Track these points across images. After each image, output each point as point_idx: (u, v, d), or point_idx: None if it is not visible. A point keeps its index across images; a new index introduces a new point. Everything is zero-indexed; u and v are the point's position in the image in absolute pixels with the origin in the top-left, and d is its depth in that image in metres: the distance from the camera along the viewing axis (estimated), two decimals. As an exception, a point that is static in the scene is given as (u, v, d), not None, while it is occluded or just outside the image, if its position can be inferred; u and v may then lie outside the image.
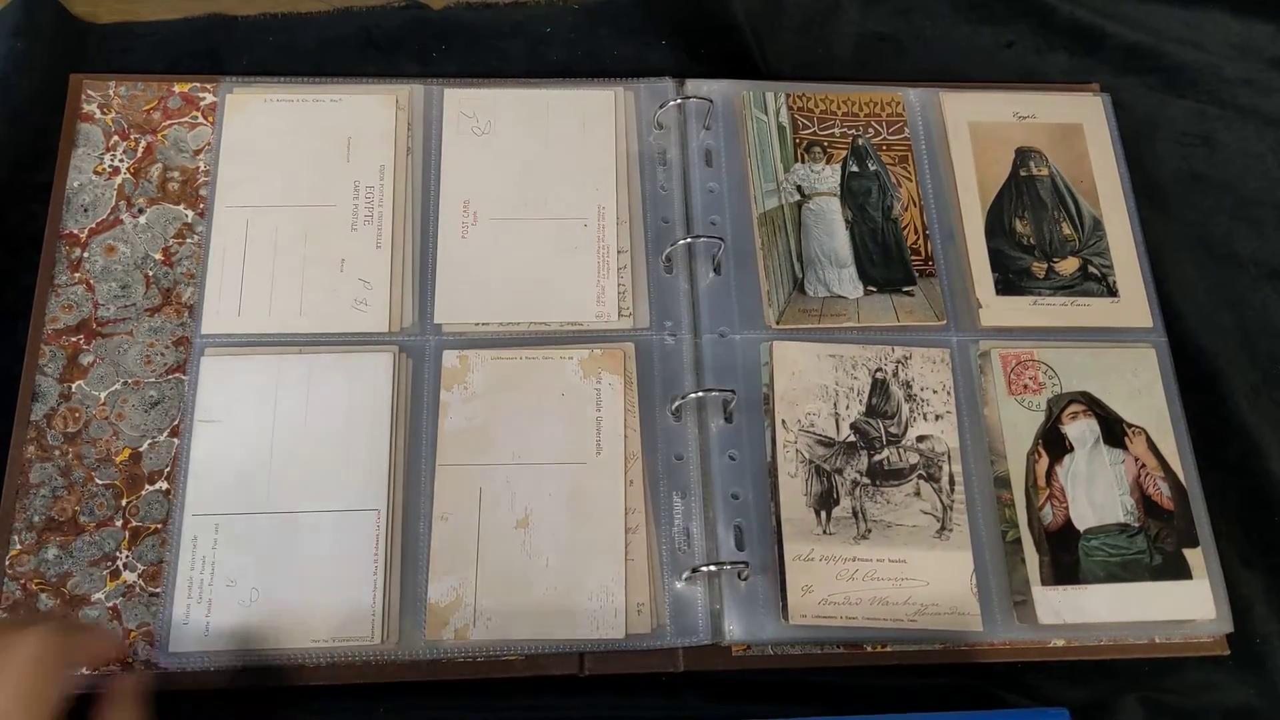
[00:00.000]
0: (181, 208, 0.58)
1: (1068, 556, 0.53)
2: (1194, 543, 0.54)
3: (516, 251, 0.58)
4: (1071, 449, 0.56)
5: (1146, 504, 0.55)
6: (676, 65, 0.66)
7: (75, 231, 0.57)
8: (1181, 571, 0.53)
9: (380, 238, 0.58)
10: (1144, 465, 0.55)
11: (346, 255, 0.57)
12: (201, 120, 0.60)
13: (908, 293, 0.59)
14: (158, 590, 0.51)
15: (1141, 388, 0.57)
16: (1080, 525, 0.54)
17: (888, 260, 0.60)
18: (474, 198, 0.59)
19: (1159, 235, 0.63)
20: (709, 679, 0.52)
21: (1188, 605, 0.53)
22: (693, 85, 0.63)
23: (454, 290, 0.57)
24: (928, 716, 0.51)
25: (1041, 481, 0.55)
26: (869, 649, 0.53)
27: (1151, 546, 0.54)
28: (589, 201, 0.60)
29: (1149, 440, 0.56)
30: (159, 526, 0.52)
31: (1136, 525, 0.54)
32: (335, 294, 0.56)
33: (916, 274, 0.59)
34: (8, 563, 0.51)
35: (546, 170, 0.60)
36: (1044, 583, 0.52)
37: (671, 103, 0.62)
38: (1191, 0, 0.72)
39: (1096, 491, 0.55)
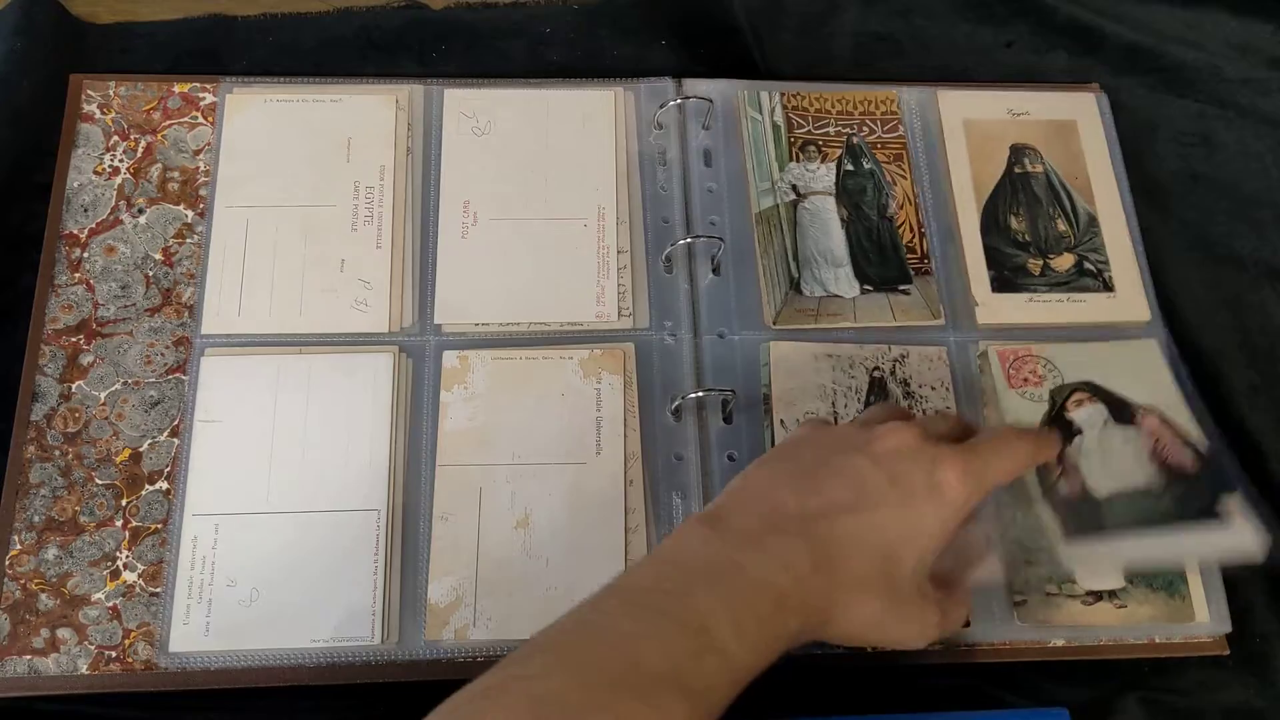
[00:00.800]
0: (181, 208, 0.58)
1: (1089, 512, 0.50)
2: (1231, 488, 0.49)
3: (516, 251, 0.58)
4: (1080, 431, 0.54)
5: (1167, 470, 0.52)
6: (676, 65, 0.66)
7: (75, 231, 0.57)
8: (1213, 515, 0.49)
9: (380, 238, 0.58)
10: (1158, 439, 0.53)
11: (346, 255, 0.57)
12: (201, 120, 0.60)
13: (904, 291, 0.59)
14: (158, 590, 0.51)
15: (1145, 375, 0.56)
16: (1100, 494, 0.51)
17: (883, 259, 0.60)
18: (474, 198, 0.60)
19: (1158, 235, 0.63)
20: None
21: (1228, 546, 0.48)
22: (691, 85, 0.63)
23: (454, 290, 0.57)
24: (928, 716, 0.51)
25: (1053, 462, 0.52)
26: (869, 649, 0.53)
27: (1178, 505, 0.50)
28: (589, 201, 0.60)
29: (1162, 418, 0.54)
30: (159, 526, 0.52)
31: (1162, 488, 0.51)
32: (335, 294, 0.57)
33: (912, 272, 0.59)
34: (8, 563, 0.51)
35: (546, 170, 0.60)
36: (1066, 536, 0.50)
37: (671, 103, 0.62)
38: (1191, 0, 0.72)
39: (1112, 463, 0.52)
